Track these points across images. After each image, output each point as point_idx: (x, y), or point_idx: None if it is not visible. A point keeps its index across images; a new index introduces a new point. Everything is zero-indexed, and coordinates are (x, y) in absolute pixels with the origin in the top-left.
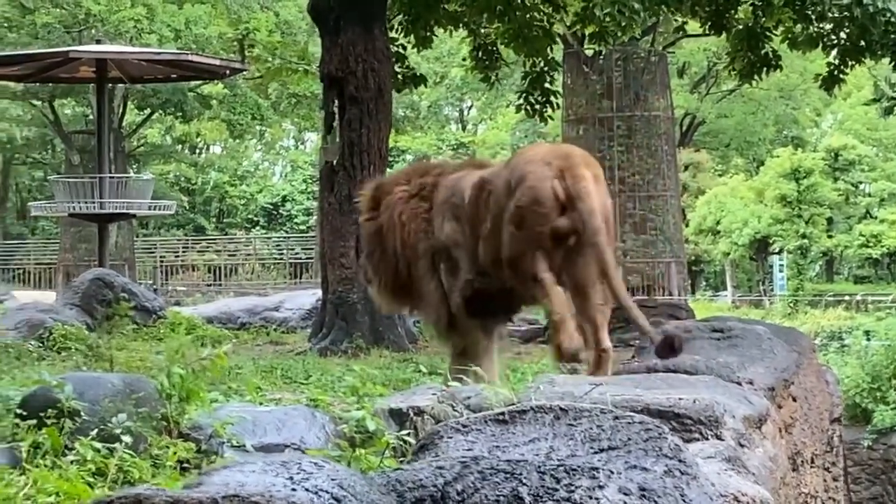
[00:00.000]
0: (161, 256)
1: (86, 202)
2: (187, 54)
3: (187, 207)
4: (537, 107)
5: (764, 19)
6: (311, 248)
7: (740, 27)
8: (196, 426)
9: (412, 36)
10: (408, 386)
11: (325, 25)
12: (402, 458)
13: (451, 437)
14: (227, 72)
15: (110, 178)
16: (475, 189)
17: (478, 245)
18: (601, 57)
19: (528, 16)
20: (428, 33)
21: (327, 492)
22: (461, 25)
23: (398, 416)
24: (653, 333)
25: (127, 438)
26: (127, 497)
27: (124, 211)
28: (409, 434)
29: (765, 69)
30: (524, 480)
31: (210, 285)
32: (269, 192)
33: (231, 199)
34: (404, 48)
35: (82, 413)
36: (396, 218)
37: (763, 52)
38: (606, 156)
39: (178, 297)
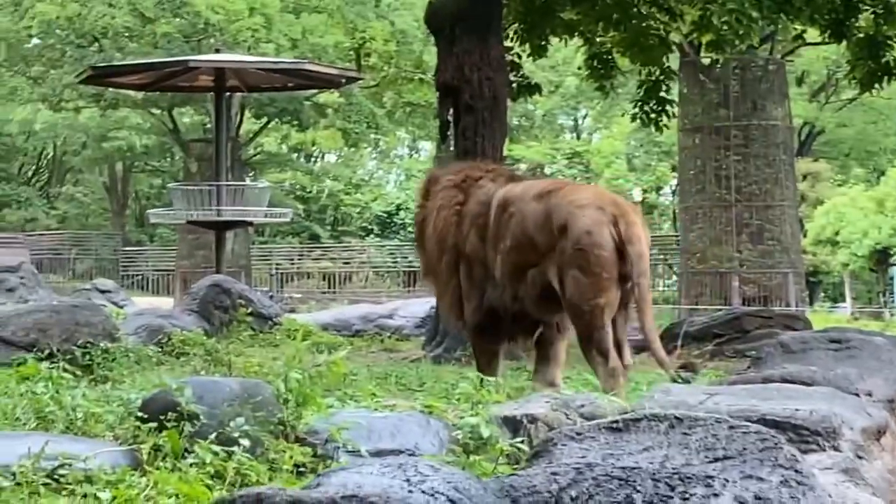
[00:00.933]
0: (276, 264)
1: (203, 210)
2: (304, 63)
3: (303, 215)
4: (653, 116)
5: (885, 27)
6: None
7: (861, 35)
8: (312, 431)
9: (527, 45)
10: (521, 394)
11: (441, 34)
12: (515, 466)
13: (564, 445)
14: (343, 81)
15: (227, 185)
16: (499, 208)
17: (494, 261)
18: (718, 66)
19: (644, 24)
20: (543, 42)
21: (443, 494)
22: (576, 34)
23: (512, 424)
24: (668, 366)
25: (245, 442)
26: (248, 496)
27: (241, 218)
28: (522, 441)
29: (886, 78)
30: (638, 487)
31: (324, 293)
32: (383, 200)
33: (346, 208)
34: (519, 57)
35: (201, 416)
36: (437, 207)
37: (884, 60)
38: (723, 165)
39: (292, 304)
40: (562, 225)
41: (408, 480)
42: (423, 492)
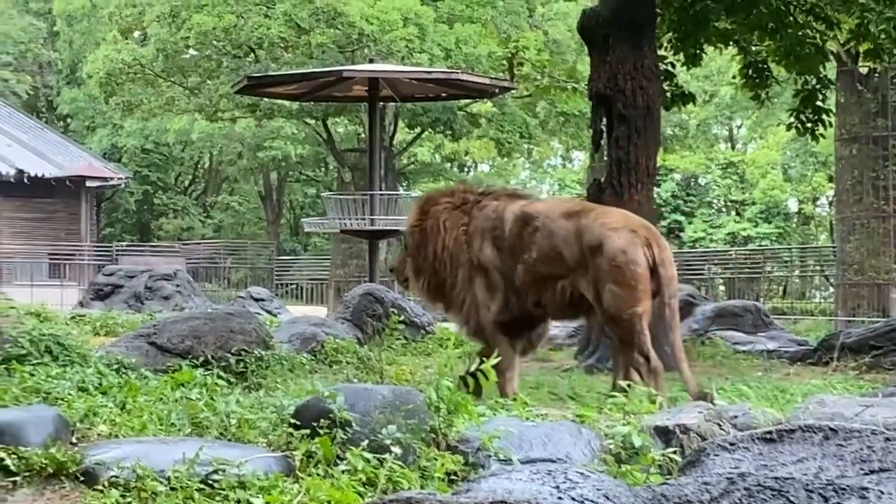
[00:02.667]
0: None
1: (357, 219)
2: (457, 73)
3: None
4: (809, 125)
5: None
6: None
7: None
8: (463, 439)
9: (681, 54)
10: (674, 404)
11: (595, 43)
12: (667, 476)
13: (717, 455)
14: (497, 90)
15: (381, 195)
16: (517, 223)
17: (514, 268)
18: (876, 74)
19: (800, 33)
20: (697, 51)
21: (592, 501)
22: (731, 43)
23: (664, 434)
24: (692, 386)
25: (396, 449)
26: (399, 500)
27: (394, 227)
28: (674, 451)
29: None
30: (791, 498)
31: None
32: None
33: None
34: (673, 66)
35: (353, 423)
36: (441, 224)
37: None
38: (880, 175)
39: (444, 314)
40: (596, 245)
41: (557, 487)
42: (573, 499)
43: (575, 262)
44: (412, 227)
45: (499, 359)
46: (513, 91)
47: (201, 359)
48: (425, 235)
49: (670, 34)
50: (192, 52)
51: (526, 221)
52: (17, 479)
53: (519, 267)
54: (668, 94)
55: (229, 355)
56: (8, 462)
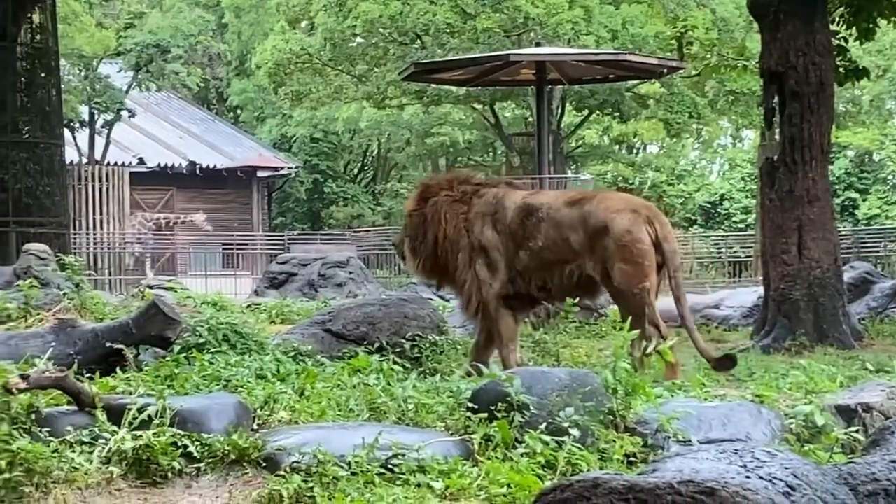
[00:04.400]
0: None
1: None
2: (625, 54)
3: None
4: None
5: None
6: (750, 247)
7: None
8: (642, 421)
9: (854, 28)
10: (854, 383)
11: (765, 20)
12: (850, 455)
13: None
14: (665, 70)
15: (550, 178)
16: (520, 211)
17: (516, 254)
18: None
19: None
20: (870, 25)
21: (781, 480)
22: None
23: (846, 413)
24: (708, 353)
25: (575, 432)
26: (585, 480)
27: None
28: (857, 430)
29: None
30: None
31: None
32: (706, 190)
33: (669, 199)
34: (845, 41)
35: (531, 407)
36: (442, 215)
37: None
38: None
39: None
40: (601, 227)
41: (744, 466)
42: (761, 477)
43: (581, 245)
44: (411, 212)
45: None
46: (681, 71)
47: (376, 345)
48: (425, 222)
49: (842, 8)
50: (358, 40)
51: (529, 212)
52: (201, 465)
53: (522, 253)
54: (841, 70)
55: (404, 341)
56: (192, 449)
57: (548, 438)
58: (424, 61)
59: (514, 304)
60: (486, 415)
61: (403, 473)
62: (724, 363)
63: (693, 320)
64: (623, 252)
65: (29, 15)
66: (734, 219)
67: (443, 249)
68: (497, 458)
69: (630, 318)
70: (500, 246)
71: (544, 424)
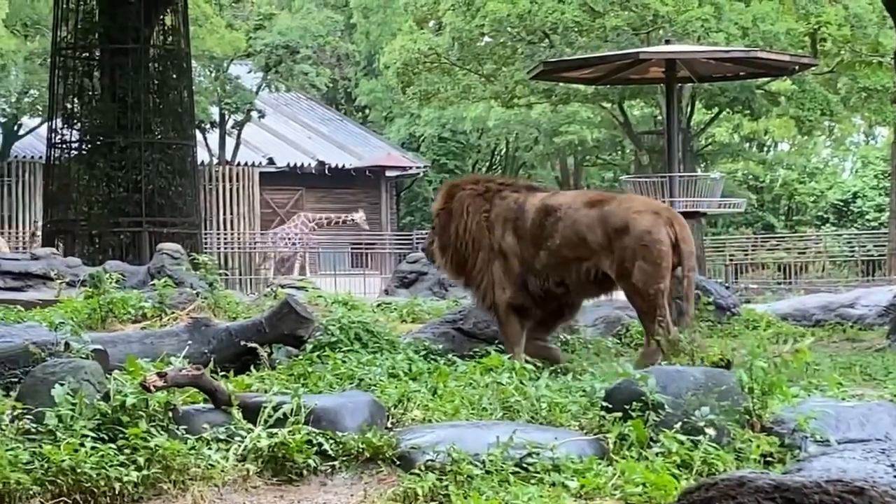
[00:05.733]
0: (730, 255)
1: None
2: (756, 51)
3: (756, 205)
4: None
5: None
6: (884, 245)
7: None
8: (778, 420)
9: None
10: None
11: None
12: None
13: None
14: (796, 67)
15: (680, 177)
16: (539, 213)
17: (537, 254)
18: None
19: None
20: None
21: None
22: None
23: None
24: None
25: (710, 431)
26: (731, 479)
27: (694, 209)
28: None
29: None
30: None
31: (780, 283)
32: (839, 188)
33: (800, 197)
34: None
35: (666, 406)
36: (465, 208)
37: None
38: None
39: (747, 295)
40: (622, 227)
41: (892, 465)
42: None
43: (598, 244)
44: (439, 210)
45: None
46: (813, 67)
47: None
48: (450, 217)
49: None
50: (486, 39)
51: (548, 212)
52: (336, 463)
53: (542, 252)
54: None
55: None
56: (326, 446)
57: (683, 438)
58: (553, 60)
59: (522, 312)
60: (620, 414)
61: (538, 472)
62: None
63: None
64: (644, 252)
65: (161, 17)
66: (867, 217)
67: (463, 242)
68: (632, 457)
69: (642, 315)
70: (520, 252)
71: (679, 424)
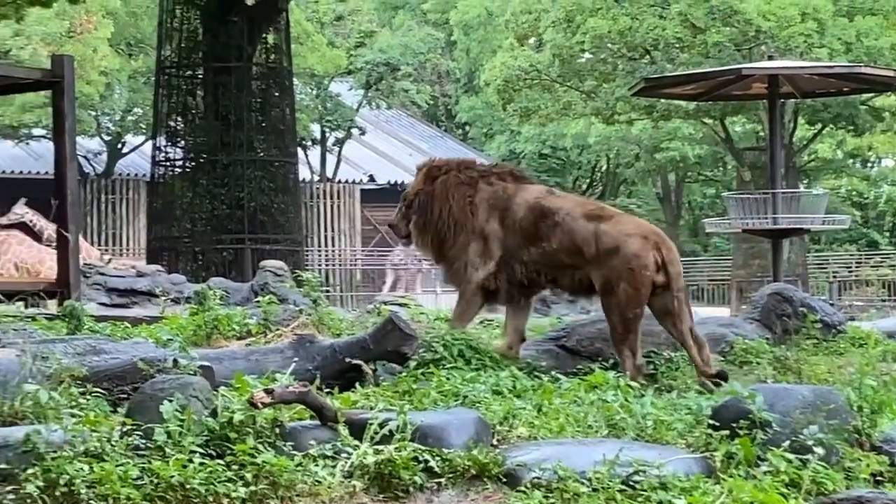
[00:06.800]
0: (833, 272)
1: (758, 218)
2: (859, 66)
3: (860, 222)
4: None
5: None
6: None
7: None
8: (888, 439)
9: None
10: None
11: None
12: None
13: None
14: None
15: (783, 193)
16: (533, 212)
17: (524, 249)
18: None
19: None
20: None
21: None
22: None
23: None
24: (702, 367)
25: (819, 450)
26: (849, 499)
27: (797, 226)
28: None
29: None
30: None
31: (884, 300)
32: None
33: None
34: None
35: (773, 424)
36: (450, 193)
37: None
38: None
39: (851, 313)
40: (613, 248)
41: None
42: None
43: (591, 257)
44: (419, 190)
45: None
46: None
47: (611, 361)
48: (432, 199)
49: None
50: (587, 55)
51: (544, 214)
52: (442, 480)
53: (533, 249)
54: None
55: None
56: (433, 463)
57: (791, 456)
58: (655, 76)
59: (488, 295)
60: (727, 432)
61: (645, 490)
62: (718, 376)
63: (690, 336)
64: (629, 275)
65: (263, 35)
66: None
67: (446, 224)
68: (740, 475)
69: (615, 335)
70: (503, 239)
71: (787, 442)
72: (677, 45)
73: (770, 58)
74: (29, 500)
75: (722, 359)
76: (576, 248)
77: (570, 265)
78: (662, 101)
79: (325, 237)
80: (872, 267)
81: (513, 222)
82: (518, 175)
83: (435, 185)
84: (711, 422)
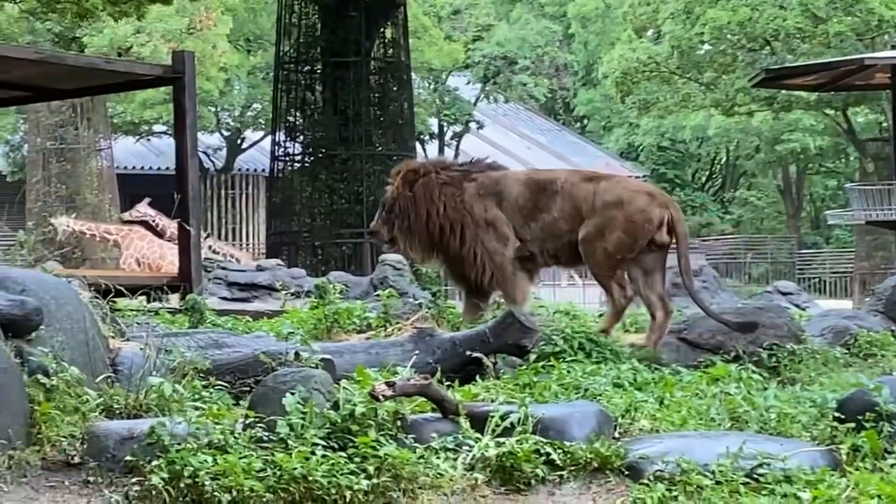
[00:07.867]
0: None
1: (882, 209)
2: None
3: None
4: None
5: None
6: None
7: None
8: None
9: None
10: None
11: None
12: None
13: None
14: None
15: None
16: (527, 187)
17: (526, 225)
18: None
19: None
20: None
21: None
22: None
23: None
24: (720, 317)
25: None
26: None
27: None
28: None
29: None
30: None
31: None
32: None
33: None
34: None
35: None
36: (435, 195)
37: None
38: None
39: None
40: (615, 201)
41: None
42: None
43: (588, 213)
44: (399, 194)
45: None
46: None
47: (732, 354)
48: (414, 202)
49: None
50: (706, 47)
51: (542, 187)
52: (564, 472)
53: (532, 224)
54: None
55: (761, 350)
56: (554, 456)
57: None
58: (775, 67)
59: (529, 266)
60: (853, 424)
61: (769, 483)
62: (747, 326)
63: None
64: (630, 226)
65: (381, 30)
66: None
67: (439, 227)
68: (866, 468)
69: (602, 278)
70: (507, 219)
71: None
72: (798, 36)
73: (893, 47)
74: (154, 492)
75: (846, 351)
76: (576, 210)
77: (568, 230)
78: (783, 92)
79: None
80: None
81: (510, 203)
82: (496, 167)
83: (415, 189)
84: (837, 414)
